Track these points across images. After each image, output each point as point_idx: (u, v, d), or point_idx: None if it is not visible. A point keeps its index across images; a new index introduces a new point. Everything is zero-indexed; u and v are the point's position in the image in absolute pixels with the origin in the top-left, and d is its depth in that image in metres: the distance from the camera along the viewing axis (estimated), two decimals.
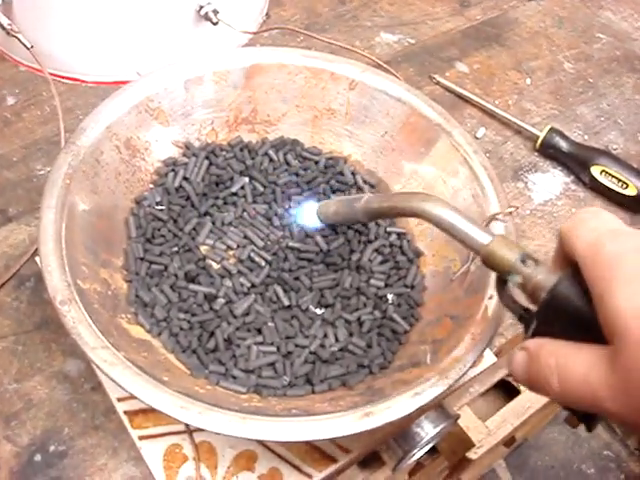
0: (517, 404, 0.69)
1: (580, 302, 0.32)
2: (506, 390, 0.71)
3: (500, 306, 0.44)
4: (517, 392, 0.70)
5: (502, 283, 0.38)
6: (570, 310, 0.32)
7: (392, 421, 0.39)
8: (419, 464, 0.71)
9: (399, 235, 0.55)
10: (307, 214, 0.53)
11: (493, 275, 0.40)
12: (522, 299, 0.36)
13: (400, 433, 0.53)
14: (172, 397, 0.38)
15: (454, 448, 0.68)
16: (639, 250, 0.30)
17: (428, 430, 0.53)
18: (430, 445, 0.58)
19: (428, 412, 0.53)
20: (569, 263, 0.33)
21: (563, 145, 0.70)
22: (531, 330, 0.34)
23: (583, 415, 0.34)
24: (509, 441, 0.83)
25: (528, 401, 0.69)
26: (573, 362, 0.30)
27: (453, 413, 0.55)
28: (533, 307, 0.35)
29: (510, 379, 0.69)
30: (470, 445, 0.65)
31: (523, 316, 0.37)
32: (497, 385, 0.67)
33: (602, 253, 0.31)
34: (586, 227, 0.33)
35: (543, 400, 0.69)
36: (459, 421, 0.59)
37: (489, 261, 0.37)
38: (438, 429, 0.53)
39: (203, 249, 0.52)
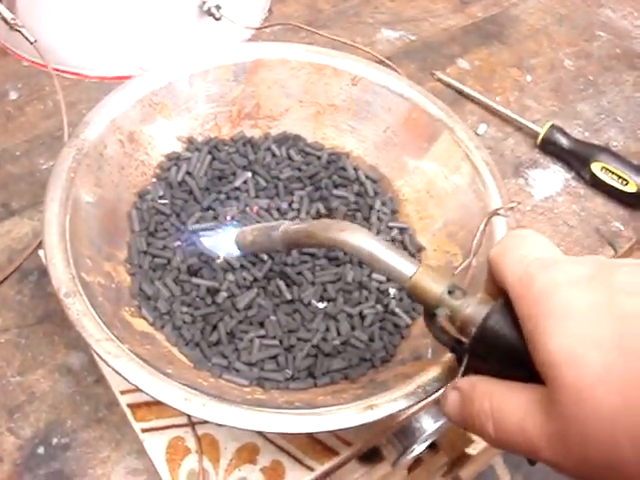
0: None
1: (513, 337, 0.29)
2: None
3: None
4: None
5: (431, 316, 0.35)
6: (502, 345, 0.30)
7: (394, 413, 0.39)
8: (418, 459, 0.71)
9: (401, 230, 0.55)
10: (225, 242, 0.50)
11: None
12: (453, 331, 0.34)
13: (400, 428, 0.53)
14: (176, 389, 0.38)
15: (453, 443, 0.68)
16: (572, 283, 0.27)
17: (428, 425, 0.54)
18: (430, 440, 0.58)
19: (428, 407, 0.53)
20: (501, 293, 0.31)
21: (563, 142, 0.70)
22: (464, 364, 0.33)
23: None
24: None
25: None
26: (508, 406, 0.28)
27: None
28: (465, 340, 0.33)
29: None
30: (469, 441, 0.65)
31: (456, 349, 0.35)
32: None
33: (531, 288, 0.28)
34: (514, 255, 0.30)
35: None
36: None
37: (414, 294, 0.35)
38: (438, 424, 0.54)
39: None
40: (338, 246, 0.39)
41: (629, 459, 0.25)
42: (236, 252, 0.49)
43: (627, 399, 0.25)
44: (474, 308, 0.32)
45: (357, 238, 0.38)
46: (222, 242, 0.50)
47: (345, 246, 0.38)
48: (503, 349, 0.30)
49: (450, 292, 0.34)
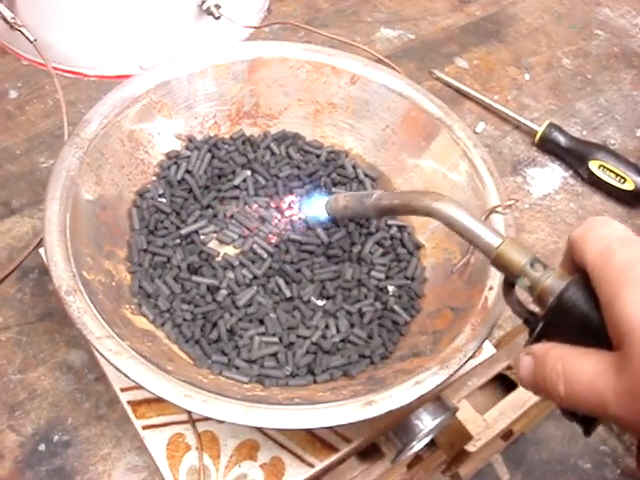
0: (515, 397, 0.69)
1: (587, 308, 0.32)
2: (504, 383, 0.71)
3: (500, 296, 0.45)
4: (515, 385, 0.70)
5: (509, 285, 0.38)
6: (577, 316, 0.32)
7: (394, 409, 0.40)
8: (417, 457, 0.71)
9: (400, 228, 0.55)
10: (315, 207, 0.53)
11: (498, 274, 0.40)
12: (529, 302, 0.37)
13: (399, 425, 0.53)
14: (177, 386, 0.39)
15: (452, 441, 0.68)
16: None
17: (427, 422, 0.54)
18: (429, 438, 0.59)
19: (427, 404, 0.54)
20: (577, 270, 0.34)
21: (561, 140, 0.71)
22: (536, 334, 0.35)
23: (582, 419, 0.34)
24: (506, 434, 0.83)
25: (526, 394, 0.69)
26: (580, 367, 0.31)
27: (452, 406, 0.55)
28: (539, 311, 0.36)
29: (508, 373, 0.70)
30: (468, 438, 0.65)
31: (528, 319, 0.37)
32: (495, 378, 0.68)
33: (612, 260, 0.31)
34: (596, 235, 0.33)
35: None
36: (457, 414, 0.60)
37: (499, 263, 0.38)
38: (437, 421, 0.54)
39: None
40: (431, 214, 0.42)
41: None
42: (325, 216, 0.53)
43: None
44: (553, 280, 0.35)
45: (450, 208, 0.41)
46: (313, 207, 0.53)
47: (438, 215, 0.41)
48: (578, 318, 0.32)
49: (532, 264, 0.36)
